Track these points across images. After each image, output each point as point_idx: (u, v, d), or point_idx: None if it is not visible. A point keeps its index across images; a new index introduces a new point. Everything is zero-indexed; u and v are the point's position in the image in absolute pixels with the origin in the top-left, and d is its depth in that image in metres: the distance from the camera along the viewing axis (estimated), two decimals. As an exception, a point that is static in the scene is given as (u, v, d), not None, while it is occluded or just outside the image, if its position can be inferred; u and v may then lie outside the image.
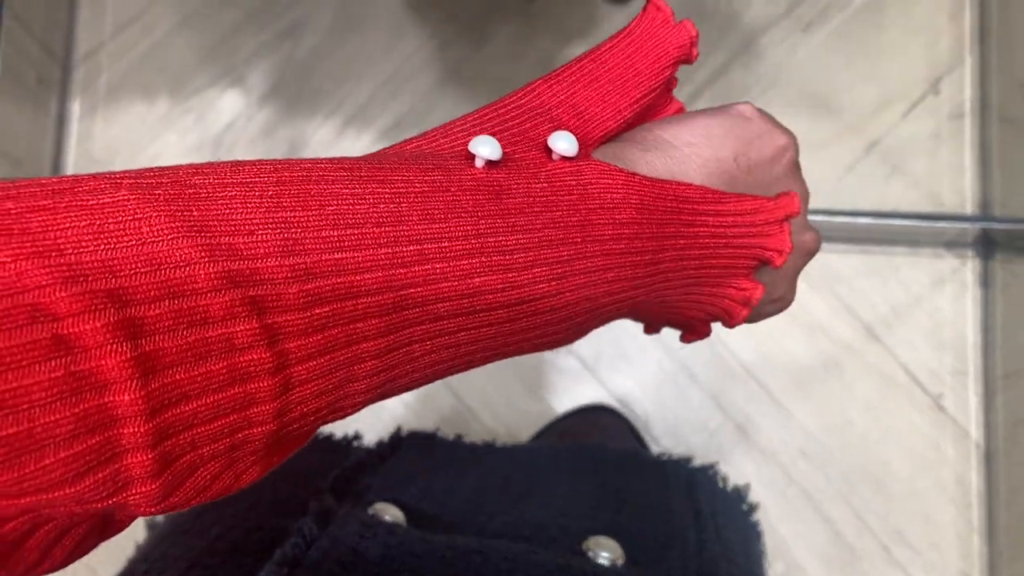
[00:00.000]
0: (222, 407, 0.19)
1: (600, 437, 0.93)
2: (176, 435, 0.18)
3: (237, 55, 1.28)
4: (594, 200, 0.26)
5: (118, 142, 1.28)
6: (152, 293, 0.18)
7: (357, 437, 0.52)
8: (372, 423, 1.08)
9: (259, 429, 0.20)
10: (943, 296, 1.14)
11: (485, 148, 0.25)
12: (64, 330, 0.16)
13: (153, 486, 0.18)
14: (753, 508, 0.48)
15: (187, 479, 0.19)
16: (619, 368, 1.15)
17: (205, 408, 0.19)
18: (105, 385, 0.17)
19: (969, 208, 1.16)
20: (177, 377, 0.18)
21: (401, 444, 0.48)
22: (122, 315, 0.17)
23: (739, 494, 0.49)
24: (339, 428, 0.51)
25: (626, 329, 1.15)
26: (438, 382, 1.15)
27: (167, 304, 0.18)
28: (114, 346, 0.17)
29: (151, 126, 1.28)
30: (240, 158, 0.22)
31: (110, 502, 0.18)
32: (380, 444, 0.48)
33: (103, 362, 0.17)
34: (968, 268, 1.15)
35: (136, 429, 0.17)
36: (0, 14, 1.12)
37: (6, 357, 0.15)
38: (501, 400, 1.16)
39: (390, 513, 0.40)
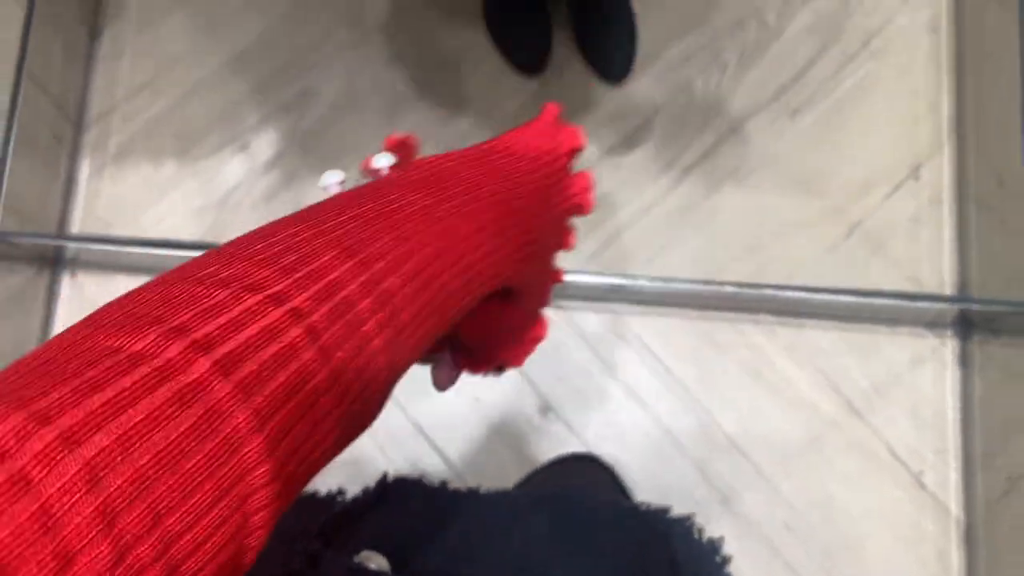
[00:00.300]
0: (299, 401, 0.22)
1: (583, 485, 0.93)
2: (282, 437, 0.22)
3: (243, 123, 1.32)
4: (447, 165, 0.35)
5: (123, 202, 1.31)
6: (224, 335, 0.21)
7: (341, 493, 0.53)
8: (355, 477, 1.08)
9: (303, 357, 0.23)
10: (923, 374, 1.17)
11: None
12: (188, 379, 0.20)
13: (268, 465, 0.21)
14: (727, 560, 0.50)
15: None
16: (605, 435, 1.17)
17: (298, 411, 0.22)
18: (225, 414, 0.20)
19: (948, 289, 1.19)
20: (267, 392, 0.21)
21: (387, 490, 0.49)
22: (215, 356, 0.20)
23: (713, 546, 0.50)
24: (322, 485, 0.51)
25: (613, 396, 1.17)
26: (425, 442, 1.14)
27: (237, 338, 0.21)
28: (220, 381, 0.20)
29: (157, 188, 1.31)
30: (242, 223, 0.26)
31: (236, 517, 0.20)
32: (366, 491, 0.49)
33: (219, 395, 0.20)
34: (948, 348, 1.17)
35: (253, 446, 0.20)
36: (20, 76, 1.16)
37: (156, 414, 0.19)
38: (488, 464, 1.16)
39: (375, 561, 0.41)
